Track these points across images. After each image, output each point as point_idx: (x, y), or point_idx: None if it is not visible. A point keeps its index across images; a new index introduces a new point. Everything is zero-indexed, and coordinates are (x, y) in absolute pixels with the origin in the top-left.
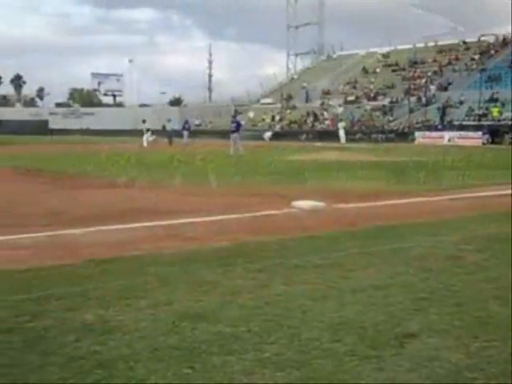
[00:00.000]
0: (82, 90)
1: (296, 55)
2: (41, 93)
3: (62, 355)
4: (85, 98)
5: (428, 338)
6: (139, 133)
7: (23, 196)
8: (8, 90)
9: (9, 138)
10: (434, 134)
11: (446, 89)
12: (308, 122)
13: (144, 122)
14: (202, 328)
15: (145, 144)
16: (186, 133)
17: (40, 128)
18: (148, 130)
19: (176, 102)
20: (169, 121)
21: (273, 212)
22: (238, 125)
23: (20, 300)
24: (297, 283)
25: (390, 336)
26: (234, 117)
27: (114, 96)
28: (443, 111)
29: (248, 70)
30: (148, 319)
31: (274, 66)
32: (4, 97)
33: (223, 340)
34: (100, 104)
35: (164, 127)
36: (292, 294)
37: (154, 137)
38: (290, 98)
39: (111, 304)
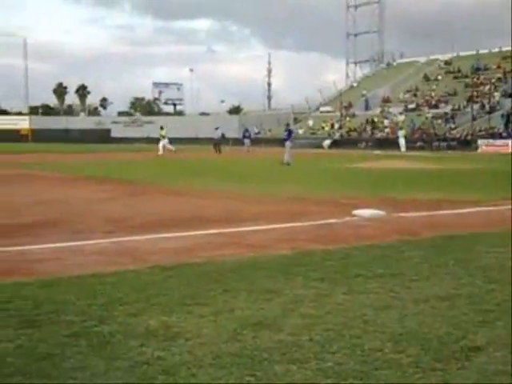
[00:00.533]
0: (142, 99)
1: (355, 63)
2: (104, 102)
3: (126, 360)
4: (145, 107)
5: (495, 352)
6: (199, 141)
7: (87, 203)
8: (73, 99)
9: (74, 147)
10: (498, 141)
11: (510, 95)
12: (367, 129)
13: (162, 128)
14: (264, 336)
15: (160, 152)
16: (247, 140)
17: (103, 137)
18: (164, 136)
19: (235, 111)
20: (216, 129)
21: (333, 220)
22: (290, 132)
23: (86, 305)
24: (358, 292)
25: (455, 348)
26: (288, 125)
27: (175, 105)
28: (508, 118)
29: (307, 78)
30: (210, 326)
31: (334, 74)
32: (70, 106)
33: (285, 348)
34: (160, 112)
35: (223, 135)
36: (353, 303)
37: (171, 146)
38: (349, 105)
39: (174, 310)
